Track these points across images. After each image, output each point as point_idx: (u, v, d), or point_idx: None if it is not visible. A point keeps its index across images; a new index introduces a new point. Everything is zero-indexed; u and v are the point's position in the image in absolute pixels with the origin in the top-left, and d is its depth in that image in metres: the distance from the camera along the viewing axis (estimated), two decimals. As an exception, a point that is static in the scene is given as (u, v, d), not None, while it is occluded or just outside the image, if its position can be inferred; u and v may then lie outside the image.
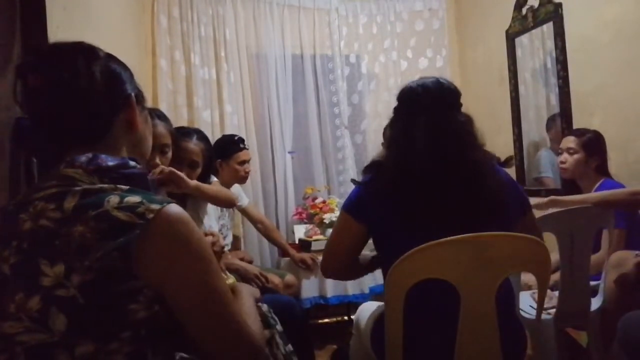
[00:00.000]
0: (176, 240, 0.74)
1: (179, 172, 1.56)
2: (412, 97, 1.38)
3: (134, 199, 0.73)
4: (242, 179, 2.63)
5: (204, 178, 1.94)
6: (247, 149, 2.66)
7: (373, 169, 1.39)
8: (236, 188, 2.69)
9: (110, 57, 0.87)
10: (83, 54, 0.83)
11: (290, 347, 1.17)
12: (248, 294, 1.08)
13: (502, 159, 1.51)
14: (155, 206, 0.73)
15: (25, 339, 0.69)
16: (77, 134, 0.82)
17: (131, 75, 0.90)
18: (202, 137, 1.94)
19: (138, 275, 0.71)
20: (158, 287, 0.72)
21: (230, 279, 1.40)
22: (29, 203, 0.75)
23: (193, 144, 1.85)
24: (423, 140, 1.29)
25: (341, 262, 1.45)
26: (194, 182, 1.68)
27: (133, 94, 0.87)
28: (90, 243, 0.69)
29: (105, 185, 0.76)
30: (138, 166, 0.85)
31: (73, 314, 0.69)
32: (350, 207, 1.39)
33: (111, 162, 0.80)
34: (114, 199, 0.73)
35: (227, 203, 2.10)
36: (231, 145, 2.58)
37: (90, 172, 0.78)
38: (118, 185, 0.77)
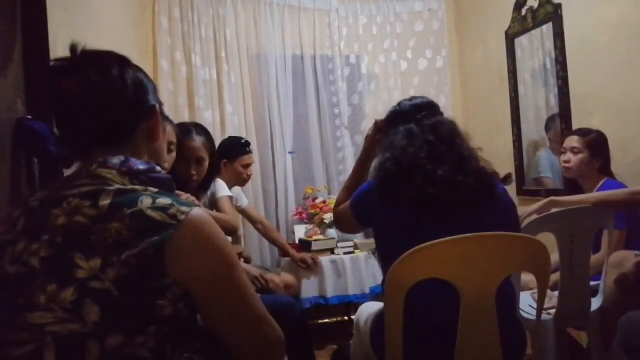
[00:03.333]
0: (204, 241, 0.78)
1: (193, 198, 1.68)
2: (399, 114, 1.56)
3: (165, 200, 0.78)
4: (243, 182, 2.67)
5: (209, 176, 1.95)
6: (252, 153, 2.70)
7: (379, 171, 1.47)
8: (236, 189, 2.69)
9: (139, 69, 0.93)
10: (117, 61, 0.89)
11: None
12: None
13: (501, 175, 1.57)
14: (185, 208, 0.78)
15: (56, 329, 0.71)
16: (102, 137, 0.87)
17: (154, 87, 0.95)
18: (201, 130, 1.95)
19: (168, 272, 0.74)
20: (185, 285, 0.76)
21: None
22: (62, 199, 0.78)
23: (195, 140, 1.86)
24: (418, 144, 1.40)
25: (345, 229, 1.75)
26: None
27: (157, 105, 0.93)
28: (126, 239, 0.73)
29: (137, 187, 0.81)
30: (163, 172, 0.91)
31: (106, 306, 0.71)
32: (356, 207, 1.51)
33: (141, 166, 0.86)
34: (146, 200, 0.77)
35: (231, 232, 2.18)
36: (238, 147, 2.62)
37: (122, 173, 0.83)
38: (148, 187, 0.82)
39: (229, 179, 2.49)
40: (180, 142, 1.65)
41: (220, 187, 2.21)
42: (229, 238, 2.43)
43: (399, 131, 1.47)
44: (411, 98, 1.59)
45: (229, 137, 2.86)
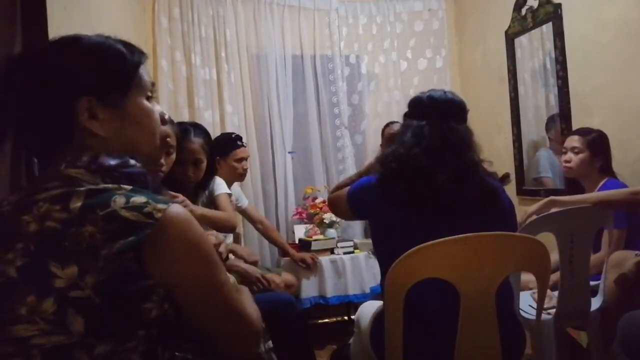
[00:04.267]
0: (182, 239, 0.75)
1: (187, 202, 1.66)
2: (419, 106, 1.49)
3: (139, 199, 0.74)
4: (240, 177, 2.64)
5: (208, 176, 1.95)
6: (245, 147, 2.66)
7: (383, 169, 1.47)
8: (236, 189, 2.69)
9: (89, 51, 0.83)
10: (57, 51, 0.83)
11: (270, 343, 1.18)
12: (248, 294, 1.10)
13: (500, 175, 1.55)
14: (161, 206, 0.74)
15: (41, 342, 0.68)
16: (51, 139, 0.82)
17: (116, 69, 0.83)
18: (200, 131, 1.93)
19: (149, 274, 0.72)
20: (166, 285, 0.74)
21: (230, 279, 1.41)
22: (32, 204, 0.74)
23: (193, 142, 1.85)
24: (413, 143, 1.39)
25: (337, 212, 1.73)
26: (200, 211, 1.79)
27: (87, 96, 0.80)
28: (101, 243, 0.70)
29: (109, 185, 0.76)
30: (138, 165, 0.85)
31: (90, 315, 0.69)
32: (353, 199, 1.51)
33: (112, 162, 0.80)
34: (120, 199, 0.73)
35: (229, 230, 2.17)
36: (229, 142, 2.59)
37: (92, 172, 0.78)
38: (121, 185, 0.77)
39: (225, 175, 2.48)
40: (178, 143, 1.65)
41: (219, 185, 2.20)
42: (230, 236, 2.43)
43: (411, 126, 1.45)
44: (441, 94, 1.49)
45: (220, 134, 2.84)
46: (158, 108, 0.90)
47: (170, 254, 0.74)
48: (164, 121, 0.90)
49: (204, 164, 1.88)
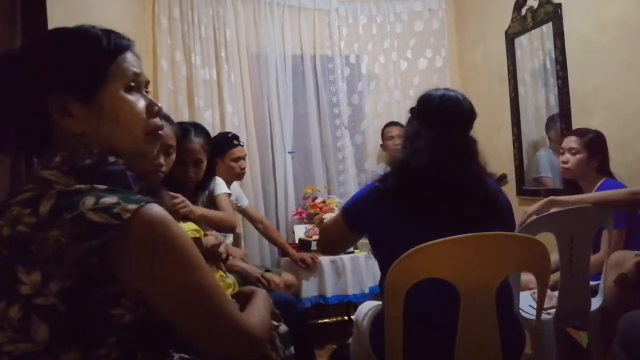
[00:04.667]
0: (154, 241, 0.69)
1: (187, 202, 1.66)
2: (427, 107, 1.44)
3: (110, 199, 0.69)
4: (238, 176, 2.63)
5: (208, 176, 1.95)
6: (242, 146, 2.65)
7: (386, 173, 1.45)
8: (236, 188, 2.69)
9: (56, 44, 0.78)
10: (30, 47, 0.80)
11: (292, 349, 1.17)
12: (267, 304, 1.04)
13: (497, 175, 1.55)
14: (132, 206, 0.69)
15: (10, 349, 0.67)
16: (29, 139, 0.79)
17: (85, 62, 0.77)
18: (200, 131, 1.93)
19: (118, 279, 0.68)
20: (139, 289, 0.70)
21: (229, 279, 1.41)
22: (6, 208, 0.71)
23: (194, 142, 1.85)
24: (425, 151, 1.35)
25: (332, 247, 1.74)
26: (199, 211, 1.80)
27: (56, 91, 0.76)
28: (65, 247, 0.66)
29: (82, 186, 0.71)
30: (119, 162, 0.78)
31: (55, 323, 0.66)
32: (347, 215, 1.48)
33: (88, 160, 0.75)
34: (89, 200, 0.68)
35: (229, 230, 2.17)
36: (225, 142, 2.57)
37: (65, 173, 0.74)
38: (95, 185, 0.72)
39: (223, 175, 2.47)
40: (178, 143, 1.65)
41: (219, 185, 2.20)
42: (230, 236, 2.43)
43: (419, 133, 1.40)
44: (455, 100, 1.42)
45: (218, 134, 2.82)
46: (142, 102, 0.82)
47: (141, 257, 0.69)
48: (152, 113, 0.82)
49: (204, 164, 1.88)
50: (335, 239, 1.61)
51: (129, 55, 0.81)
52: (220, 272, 1.40)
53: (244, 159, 2.63)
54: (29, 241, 0.67)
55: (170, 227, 0.71)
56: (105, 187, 0.72)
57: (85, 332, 0.68)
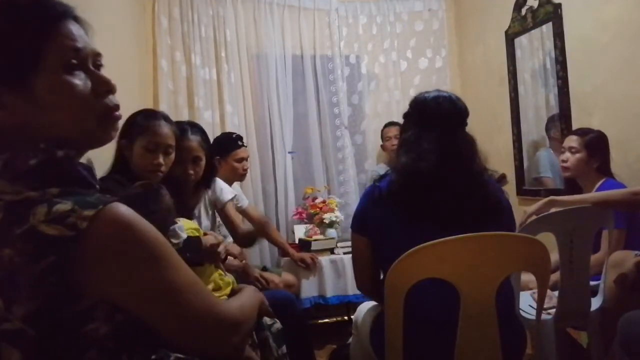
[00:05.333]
0: (117, 246, 0.63)
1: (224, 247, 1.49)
2: (425, 111, 1.44)
3: (64, 206, 0.62)
4: (240, 177, 2.65)
5: (208, 175, 1.95)
6: (246, 147, 2.67)
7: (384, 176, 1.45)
8: (236, 188, 2.69)
9: None
10: None
11: (284, 348, 1.17)
12: (251, 295, 1.02)
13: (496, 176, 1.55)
14: (88, 212, 0.61)
15: None
16: None
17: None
18: (197, 129, 1.93)
19: (85, 294, 0.62)
20: (111, 299, 0.65)
21: (228, 278, 1.41)
22: None
23: (191, 141, 1.84)
24: (431, 153, 1.35)
25: (368, 276, 1.51)
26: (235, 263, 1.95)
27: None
28: (19, 267, 0.59)
29: (32, 193, 0.63)
30: (71, 154, 0.69)
31: (26, 348, 0.61)
32: (354, 224, 1.48)
33: (32, 161, 0.65)
34: (40, 210, 0.61)
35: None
36: (229, 142, 2.59)
37: (11, 180, 0.64)
38: (47, 190, 0.64)
39: (225, 175, 2.48)
40: (176, 142, 1.64)
41: (223, 191, 2.21)
42: (230, 236, 2.43)
43: (422, 137, 1.39)
44: (448, 100, 1.44)
45: (221, 133, 2.85)
46: (88, 83, 0.71)
47: (106, 265, 0.63)
48: (101, 92, 0.71)
49: (203, 162, 1.88)
50: (364, 262, 1.49)
51: (67, 26, 0.69)
52: (219, 271, 1.40)
53: (246, 159, 2.64)
54: None
55: (134, 226, 0.65)
56: (59, 189, 0.64)
57: (61, 352, 0.63)
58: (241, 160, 2.60)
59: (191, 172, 1.84)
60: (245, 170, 2.64)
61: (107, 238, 0.63)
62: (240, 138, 2.65)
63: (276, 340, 1.16)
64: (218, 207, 2.24)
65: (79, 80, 0.69)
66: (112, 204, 0.65)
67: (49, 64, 0.67)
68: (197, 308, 0.69)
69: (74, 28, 0.70)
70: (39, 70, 0.66)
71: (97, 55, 0.74)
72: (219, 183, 2.21)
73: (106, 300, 0.64)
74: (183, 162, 1.79)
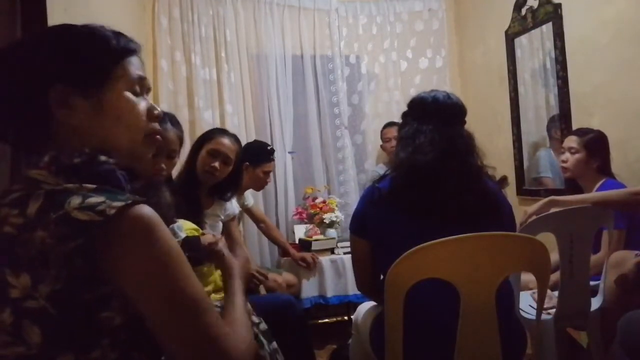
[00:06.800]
0: (138, 241, 0.68)
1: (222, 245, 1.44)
2: (423, 106, 1.46)
3: (97, 199, 0.67)
4: (260, 187, 2.74)
5: (232, 183, 1.92)
6: (274, 160, 2.73)
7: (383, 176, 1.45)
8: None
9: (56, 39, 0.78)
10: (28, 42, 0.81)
11: (274, 344, 1.17)
12: (239, 274, 1.04)
13: (497, 178, 1.55)
14: (117, 203, 0.67)
15: (4, 353, 0.66)
16: (26, 135, 0.77)
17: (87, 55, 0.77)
18: (175, 121, 1.84)
19: (105, 280, 0.67)
20: (121, 288, 0.68)
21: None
22: None
23: (168, 131, 1.68)
24: (429, 149, 1.36)
25: (368, 276, 1.52)
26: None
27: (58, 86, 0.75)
28: (50, 248, 0.64)
29: (70, 185, 0.70)
30: (110, 161, 0.77)
31: (47, 326, 0.65)
32: (353, 226, 1.48)
33: (77, 160, 0.74)
34: (75, 200, 0.67)
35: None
36: (263, 153, 2.65)
37: (54, 173, 0.72)
38: (84, 185, 0.71)
39: (248, 182, 2.51)
40: None
41: (233, 203, 2.23)
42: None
43: (419, 131, 1.40)
44: (446, 97, 1.46)
45: (255, 140, 2.90)
46: (144, 105, 0.82)
47: (123, 255, 0.67)
48: (153, 117, 0.83)
49: (177, 160, 1.76)
50: (363, 263, 1.49)
51: (135, 59, 0.83)
52: (220, 272, 1.40)
53: (270, 173, 2.71)
54: (15, 243, 0.66)
55: (154, 227, 0.69)
56: (94, 186, 0.71)
57: (78, 334, 0.67)
58: (268, 173, 2.66)
59: (163, 166, 1.73)
60: (268, 183, 2.71)
61: (130, 230, 0.67)
62: (273, 152, 2.72)
63: (265, 336, 1.16)
64: (224, 219, 2.24)
65: (139, 102, 0.82)
66: (141, 204, 0.70)
67: (120, 83, 0.79)
68: (204, 332, 0.70)
69: (140, 63, 0.85)
70: (112, 85, 0.78)
71: (149, 89, 0.88)
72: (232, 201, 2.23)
73: (120, 290, 0.68)
74: (158, 155, 1.68)
